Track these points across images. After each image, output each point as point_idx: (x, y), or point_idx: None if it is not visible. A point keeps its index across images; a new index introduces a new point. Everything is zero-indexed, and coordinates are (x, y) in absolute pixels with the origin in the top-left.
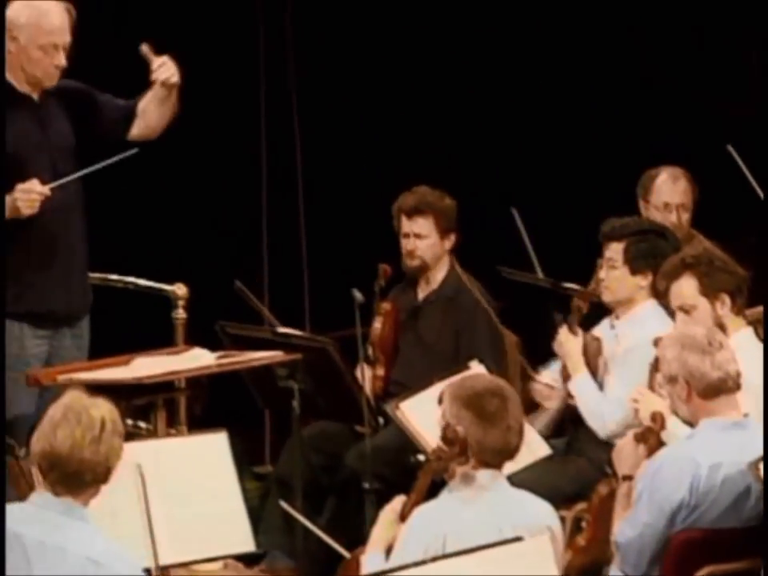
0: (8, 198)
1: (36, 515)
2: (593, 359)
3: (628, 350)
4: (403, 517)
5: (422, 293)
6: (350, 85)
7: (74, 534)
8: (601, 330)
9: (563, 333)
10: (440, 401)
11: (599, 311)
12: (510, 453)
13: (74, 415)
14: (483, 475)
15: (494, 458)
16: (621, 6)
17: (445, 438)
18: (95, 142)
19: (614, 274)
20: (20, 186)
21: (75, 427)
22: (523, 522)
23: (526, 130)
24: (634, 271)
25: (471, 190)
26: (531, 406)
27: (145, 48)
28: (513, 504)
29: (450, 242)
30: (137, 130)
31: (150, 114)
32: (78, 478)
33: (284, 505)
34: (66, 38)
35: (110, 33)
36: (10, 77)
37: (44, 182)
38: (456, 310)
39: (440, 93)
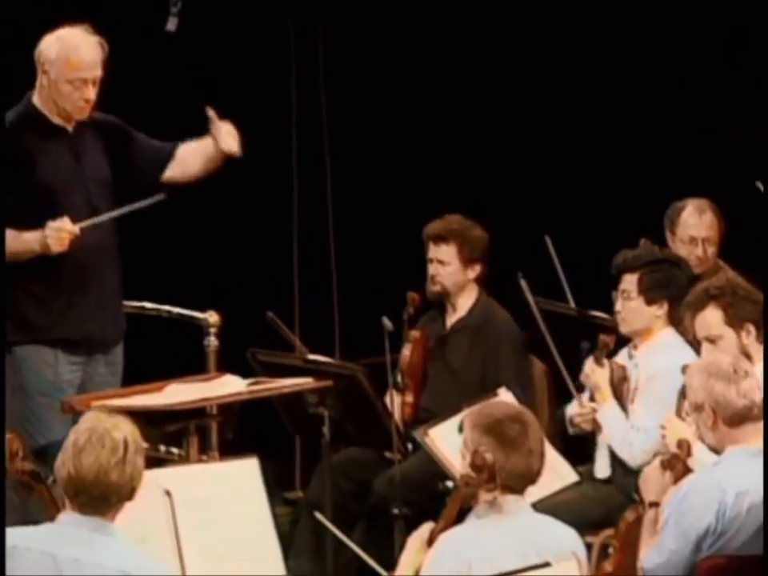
0: (38, 234)
1: (67, 534)
2: (619, 386)
3: (650, 378)
4: (431, 543)
5: (449, 321)
6: (383, 113)
7: (106, 550)
8: (620, 359)
9: (590, 364)
10: (460, 429)
11: (622, 340)
12: (533, 477)
13: (98, 439)
14: (507, 500)
15: (517, 482)
16: (654, 40)
17: (473, 465)
18: (128, 179)
19: (630, 305)
20: (51, 224)
21: (100, 452)
22: (548, 547)
23: (559, 159)
24: (650, 301)
25: (501, 218)
26: (562, 432)
27: (210, 112)
28: (537, 529)
29: (474, 271)
30: (171, 173)
31: (193, 165)
32: (105, 500)
33: (319, 516)
34: (95, 73)
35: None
36: (43, 108)
37: (78, 214)
38: (483, 338)
39: (473, 121)
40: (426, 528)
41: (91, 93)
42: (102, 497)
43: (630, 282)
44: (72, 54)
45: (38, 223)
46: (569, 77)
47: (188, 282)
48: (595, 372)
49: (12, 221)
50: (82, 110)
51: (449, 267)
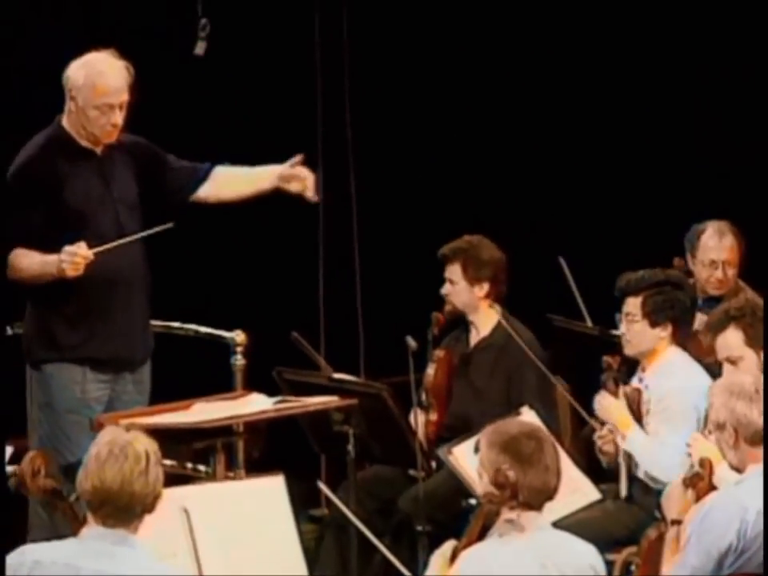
0: (55, 258)
1: (91, 548)
2: (638, 409)
3: (662, 398)
4: (453, 560)
5: (473, 340)
6: (407, 136)
7: (129, 562)
8: (633, 384)
9: (601, 396)
10: (476, 449)
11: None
12: (550, 493)
13: (120, 450)
14: (527, 517)
15: (536, 498)
16: (675, 60)
17: (496, 482)
18: (158, 200)
19: (635, 328)
20: (66, 249)
21: (123, 463)
22: (568, 563)
23: (575, 180)
24: (654, 324)
25: (521, 238)
26: (585, 450)
27: (298, 157)
28: (557, 545)
29: (482, 290)
30: (203, 194)
31: (229, 191)
32: (130, 510)
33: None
34: (122, 98)
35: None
36: (72, 131)
37: (106, 237)
38: (506, 357)
39: (495, 144)
40: (449, 545)
41: (118, 117)
42: (126, 507)
43: (633, 305)
44: (98, 80)
45: (63, 245)
46: (588, 98)
47: (216, 302)
48: (609, 402)
49: (40, 243)
50: (109, 134)
51: (456, 286)
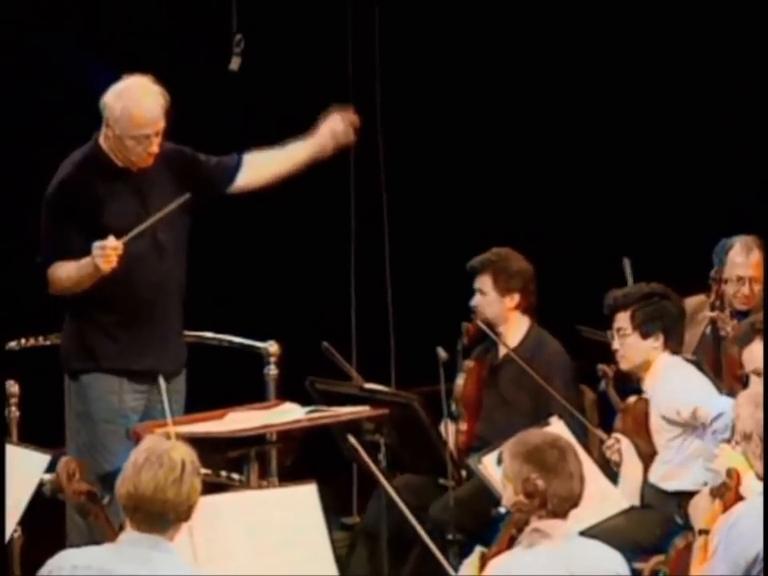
0: (88, 259)
1: (126, 553)
2: (644, 420)
3: (667, 403)
4: (482, 568)
5: (502, 351)
6: (438, 146)
7: (164, 567)
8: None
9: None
10: (499, 461)
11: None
12: (575, 500)
13: (156, 458)
14: (553, 525)
15: (561, 506)
16: (709, 78)
17: (525, 492)
18: (199, 199)
19: (627, 342)
20: (95, 244)
21: (158, 470)
22: (595, 570)
23: (604, 192)
24: (645, 335)
25: (547, 249)
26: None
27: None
28: (584, 553)
29: (512, 300)
30: (242, 182)
31: (269, 172)
32: (162, 517)
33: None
34: (158, 127)
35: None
36: (109, 152)
37: (146, 254)
38: (535, 367)
39: (520, 154)
40: (478, 553)
41: (155, 146)
42: (159, 514)
43: (623, 319)
44: (135, 111)
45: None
46: (634, 104)
47: (249, 313)
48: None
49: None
50: (145, 161)
51: (486, 297)
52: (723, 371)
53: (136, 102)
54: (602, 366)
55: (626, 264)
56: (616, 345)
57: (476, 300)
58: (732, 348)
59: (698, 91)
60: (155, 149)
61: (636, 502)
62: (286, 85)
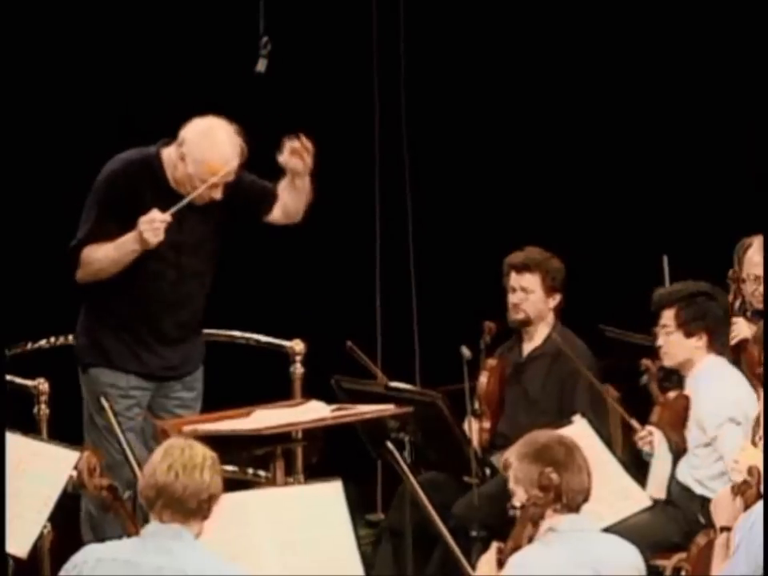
0: (133, 233)
1: (150, 544)
2: (684, 415)
3: (704, 402)
4: (501, 562)
5: (526, 349)
6: (462, 146)
7: (188, 556)
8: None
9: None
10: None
11: None
12: (586, 494)
13: (176, 450)
14: (569, 520)
15: (574, 500)
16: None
17: (540, 485)
18: (236, 220)
19: (671, 340)
20: (142, 219)
21: (178, 458)
22: (611, 564)
23: (622, 193)
24: (689, 334)
25: (570, 248)
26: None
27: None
28: (600, 546)
29: (554, 300)
30: (277, 214)
31: (284, 199)
32: (183, 504)
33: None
34: (228, 178)
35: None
36: (168, 169)
37: (167, 277)
38: (559, 366)
39: (541, 154)
40: (494, 549)
41: (220, 193)
42: (179, 500)
43: (668, 317)
44: (213, 158)
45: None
46: (663, 102)
47: (275, 312)
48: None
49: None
50: (203, 201)
51: (532, 296)
52: (744, 370)
53: (218, 150)
54: (645, 361)
55: (665, 261)
56: (660, 341)
57: (518, 297)
58: (753, 347)
59: (730, 94)
60: (219, 196)
61: (662, 495)
62: (312, 87)
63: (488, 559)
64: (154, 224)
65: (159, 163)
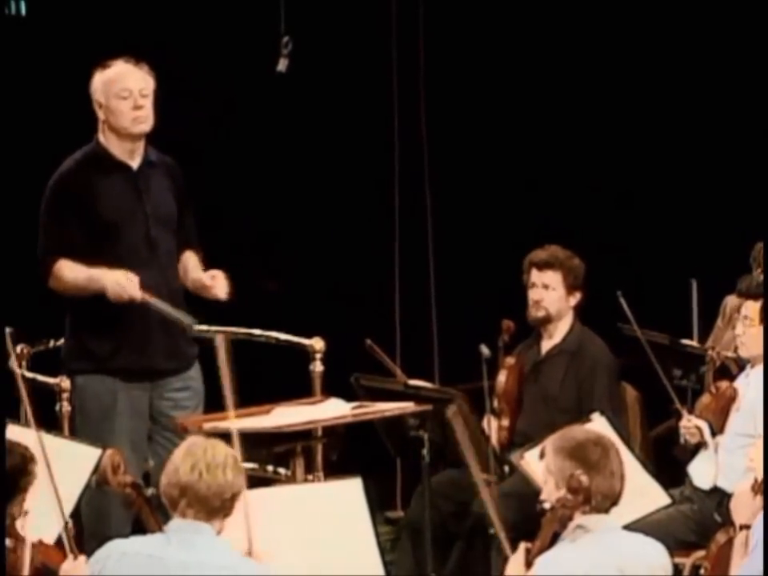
0: (100, 276)
1: (174, 539)
2: (728, 407)
3: (743, 421)
4: (528, 564)
5: (545, 347)
6: (482, 144)
7: (210, 551)
8: (739, 382)
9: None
10: (541, 456)
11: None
12: (616, 498)
13: (199, 449)
14: (596, 520)
15: (603, 503)
16: None
17: (570, 487)
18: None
19: (751, 332)
20: (122, 280)
21: (201, 457)
22: (640, 564)
23: (640, 195)
24: None
25: (593, 248)
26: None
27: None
28: (628, 546)
29: (575, 299)
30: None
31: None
32: (206, 502)
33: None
34: (140, 85)
35: None
36: (107, 145)
37: (138, 248)
38: (578, 364)
39: (560, 154)
40: (522, 550)
41: (140, 101)
42: (203, 498)
43: (752, 309)
44: (113, 73)
45: (97, 255)
46: (691, 108)
47: (295, 310)
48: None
49: (77, 253)
50: (138, 120)
51: (554, 293)
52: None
53: (115, 68)
54: (710, 351)
55: (693, 285)
56: (739, 330)
57: (539, 294)
58: None
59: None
60: (142, 105)
61: (729, 487)
62: (332, 86)
63: (516, 560)
64: (127, 290)
65: (99, 146)
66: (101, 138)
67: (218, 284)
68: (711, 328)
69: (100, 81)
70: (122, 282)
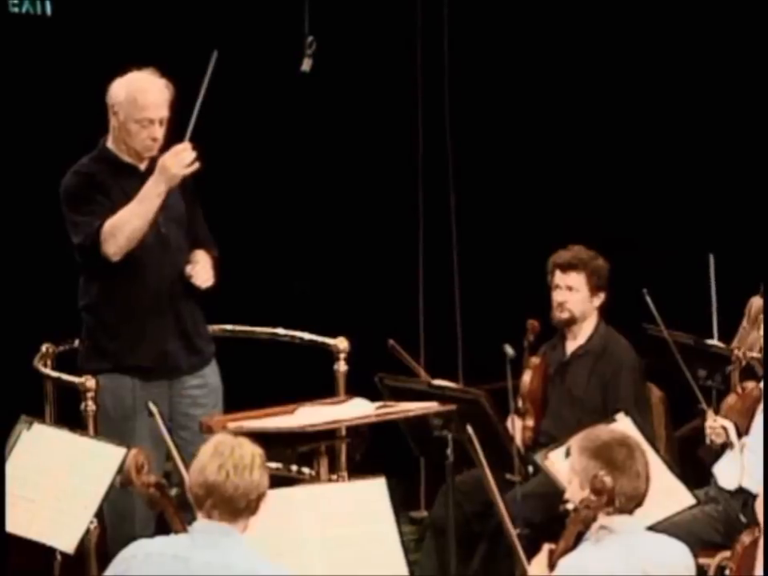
0: (154, 178)
1: (198, 540)
2: (753, 407)
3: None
4: (552, 565)
5: (570, 348)
6: (506, 145)
7: (235, 553)
8: None
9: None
10: (567, 454)
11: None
12: (640, 499)
13: (226, 449)
14: (620, 521)
15: (627, 504)
16: None
17: (593, 488)
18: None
19: None
20: (165, 156)
21: (228, 458)
22: (664, 564)
23: (660, 195)
24: None
25: (616, 248)
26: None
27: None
28: (652, 547)
29: (599, 299)
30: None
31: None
32: (232, 504)
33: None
34: (161, 114)
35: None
36: (115, 149)
37: (149, 247)
38: (603, 364)
39: (584, 153)
40: (546, 551)
41: (158, 132)
42: (229, 500)
43: None
44: (139, 95)
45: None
46: (710, 102)
47: (319, 310)
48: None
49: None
50: (149, 149)
51: (577, 294)
52: None
53: (141, 88)
54: (736, 352)
55: (711, 260)
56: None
57: (563, 296)
58: None
59: None
60: (158, 135)
61: (754, 488)
62: (356, 86)
63: (540, 561)
64: (179, 155)
65: (107, 150)
66: (108, 142)
67: (196, 274)
68: (734, 327)
69: (123, 95)
70: (170, 155)
